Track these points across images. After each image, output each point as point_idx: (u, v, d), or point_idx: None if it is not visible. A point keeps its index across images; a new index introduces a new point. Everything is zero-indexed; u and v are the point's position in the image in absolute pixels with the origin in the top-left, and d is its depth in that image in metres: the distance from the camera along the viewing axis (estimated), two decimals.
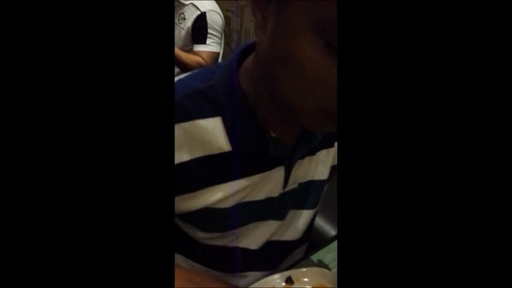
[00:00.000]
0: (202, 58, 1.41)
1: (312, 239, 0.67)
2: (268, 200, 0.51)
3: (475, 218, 0.22)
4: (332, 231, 0.93)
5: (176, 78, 0.48)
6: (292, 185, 0.52)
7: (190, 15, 1.44)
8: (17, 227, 0.23)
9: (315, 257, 0.61)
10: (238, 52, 0.46)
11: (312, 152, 0.53)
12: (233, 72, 0.45)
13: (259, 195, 0.50)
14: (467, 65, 0.22)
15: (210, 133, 0.45)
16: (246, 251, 0.54)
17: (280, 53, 0.34)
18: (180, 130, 0.44)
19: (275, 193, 0.51)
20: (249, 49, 0.46)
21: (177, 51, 1.39)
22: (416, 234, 0.23)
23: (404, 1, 0.23)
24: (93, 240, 0.24)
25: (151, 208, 0.25)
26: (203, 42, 1.43)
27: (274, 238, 0.56)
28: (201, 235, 0.53)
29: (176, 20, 1.50)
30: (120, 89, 0.24)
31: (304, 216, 0.57)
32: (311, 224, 0.62)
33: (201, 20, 1.43)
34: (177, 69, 1.52)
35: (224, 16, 1.53)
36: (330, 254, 0.61)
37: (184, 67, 1.39)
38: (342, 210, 0.24)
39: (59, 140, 0.23)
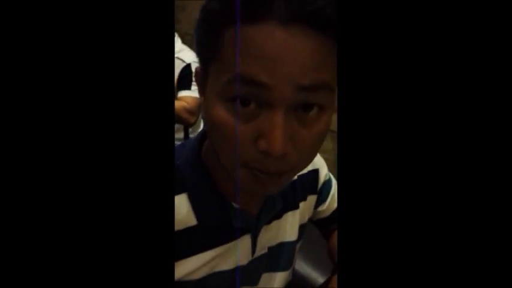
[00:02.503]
0: (187, 102, 1.47)
1: (298, 287, 0.67)
2: (239, 268, 0.52)
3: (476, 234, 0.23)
4: (320, 279, 0.93)
5: None
6: (261, 250, 0.54)
7: (176, 67, 1.51)
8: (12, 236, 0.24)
9: None
10: (201, 131, 0.50)
11: (279, 216, 0.55)
12: (195, 150, 0.49)
13: (229, 264, 0.51)
14: (465, 80, 0.23)
15: (176, 210, 0.47)
16: None
17: (207, 119, 0.39)
18: None
19: (244, 261, 0.52)
20: None
21: None
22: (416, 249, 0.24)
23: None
24: (89, 248, 0.25)
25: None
26: (189, 88, 1.50)
27: None
28: None
29: None
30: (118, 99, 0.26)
31: (278, 279, 0.58)
32: (290, 284, 0.63)
33: (187, 70, 1.51)
34: None
35: None
36: None
37: None
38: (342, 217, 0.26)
39: (56, 144, 0.24)
